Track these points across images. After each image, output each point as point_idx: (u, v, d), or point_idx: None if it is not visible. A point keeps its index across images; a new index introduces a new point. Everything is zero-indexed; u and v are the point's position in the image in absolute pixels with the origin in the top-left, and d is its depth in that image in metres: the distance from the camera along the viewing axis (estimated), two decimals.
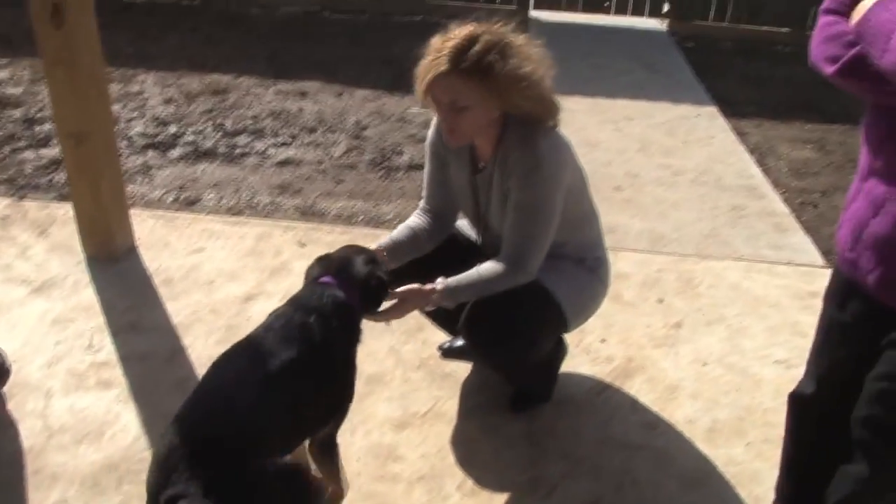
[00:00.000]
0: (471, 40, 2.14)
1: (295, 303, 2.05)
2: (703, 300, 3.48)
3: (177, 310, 3.23)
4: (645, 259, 3.80)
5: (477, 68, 2.12)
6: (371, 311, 2.21)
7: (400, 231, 2.54)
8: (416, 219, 2.60)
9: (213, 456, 1.68)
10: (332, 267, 2.15)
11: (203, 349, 2.98)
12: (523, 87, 2.17)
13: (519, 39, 2.23)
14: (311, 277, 2.16)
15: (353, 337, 2.12)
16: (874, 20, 1.48)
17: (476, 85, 2.15)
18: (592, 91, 6.31)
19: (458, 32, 2.17)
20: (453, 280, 2.32)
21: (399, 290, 2.27)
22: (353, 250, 2.23)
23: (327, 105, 5.83)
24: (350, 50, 7.26)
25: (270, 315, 2.05)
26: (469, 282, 2.33)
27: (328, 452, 2.13)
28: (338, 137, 5.25)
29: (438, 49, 2.17)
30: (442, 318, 2.79)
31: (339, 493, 2.23)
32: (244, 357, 1.92)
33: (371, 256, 2.21)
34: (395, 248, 2.46)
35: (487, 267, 2.35)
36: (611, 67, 7.07)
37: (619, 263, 3.69)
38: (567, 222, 2.38)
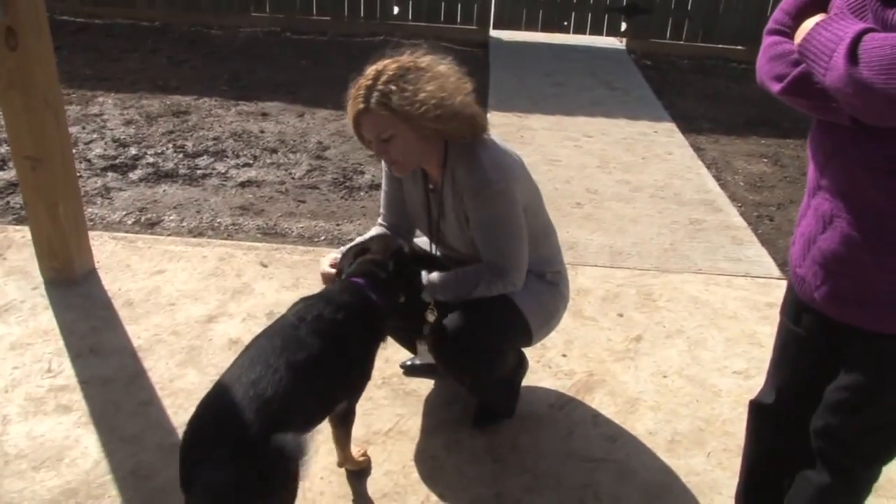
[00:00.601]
0: (376, 76, 2.24)
1: (327, 298, 2.17)
2: (663, 313, 3.52)
3: (137, 332, 3.20)
4: (605, 274, 3.84)
5: (381, 101, 2.21)
6: (407, 307, 2.35)
7: (360, 241, 2.58)
8: (374, 231, 2.67)
9: (240, 431, 1.76)
10: (365, 267, 2.27)
11: (165, 371, 2.96)
12: (424, 110, 2.21)
13: (424, 62, 2.29)
14: (346, 274, 2.29)
15: (377, 335, 2.27)
16: (816, 40, 1.52)
17: (387, 116, 2.22)
18: (552, 109, 6.39)
19: (369, 71, 2.26)
20: (435, 275, 2.40)
21: None
22: (383, 246, 2.33)
23: (289, 126, 5.83)
24: (311, 71, 7.27)
25: (302, 303, 2.16)
26: (450, 280, 2.40)
27: (344, 423, 2.36)
28: (299, 158, 5.25)
29: (355, 93, 2.27)
30: (403, 336, 2.80)
31: (344, 459, 2.49)
32: (277, 344, 1.98)
33: (403, 255, 2.34)
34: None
35: (470, 270, 2.39)
36: (570, 85, 7.15)
37: (580, 279, 3.73)
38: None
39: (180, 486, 1.78)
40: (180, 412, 2.72)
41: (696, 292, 3.72)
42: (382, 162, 2.59)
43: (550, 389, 2.97)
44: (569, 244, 4.07)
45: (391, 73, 2.22)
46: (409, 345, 2.84)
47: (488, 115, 6.07)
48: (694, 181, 5.16)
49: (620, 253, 4.09)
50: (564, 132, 5.95)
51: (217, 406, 1.83)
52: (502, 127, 5.90)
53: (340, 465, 2.50)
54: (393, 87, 2.20)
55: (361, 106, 2.24)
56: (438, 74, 2.27)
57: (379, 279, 2.24)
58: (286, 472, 1.80)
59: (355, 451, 2.50)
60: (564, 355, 3.16)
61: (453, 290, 2.40)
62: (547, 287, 2.56)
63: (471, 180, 2.30)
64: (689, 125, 6.29)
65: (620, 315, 3.49)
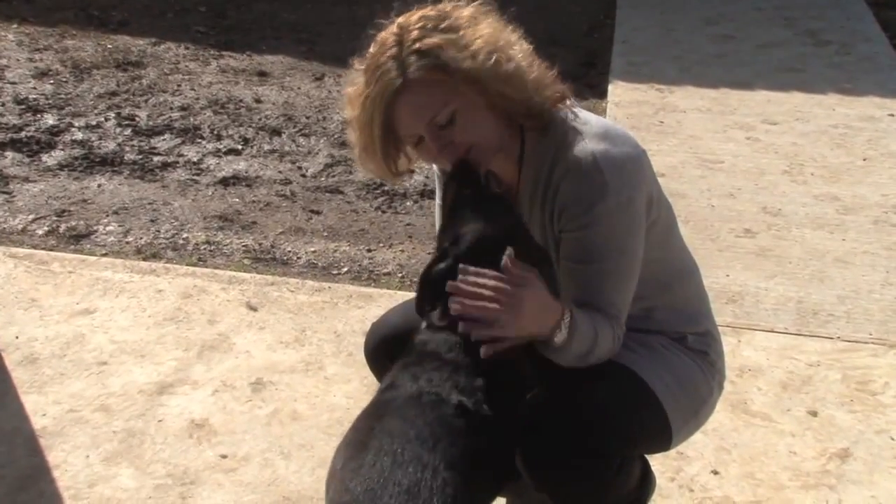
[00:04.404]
0: (400, 34, 2.23)
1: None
2: (890, 416, 3.45)
3: (42, 406, 3.23)
4: (789, 345, 3.79)
5: (428, 63, 2.20)
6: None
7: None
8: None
9: None
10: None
11: (82, 469, 2.98)
12: (495, 61, 2.21)
13: (463, 10, 2.30)
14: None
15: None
16: None
17: (442, 81, 2.21)
18: (713, 79, 6.38)
19: (383, 37, 2.27)
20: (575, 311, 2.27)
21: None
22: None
23: (300, 93, 5.91)
24: (336, 8, 7.36)
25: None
26: (590, 325, 2.25)
27: None
28: (315, 144, 5.31)
29: (372, 73, 2.26)
30: None
31: None
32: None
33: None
34: None
35: (599, 315, 2.29)
36: (746, 39, 7.13)
37: (745, 350, 3.68)
38: (651, 275, 2.39)
39: None
40: None
41: None
42: (434, 169, 2.63)
43: None
44: (728, 294, 4.04)
45: (420, 23, 2.23)
46: None
47: (609, 87, 6.11)
48: None
49: (817, 313, 4.03)
50: (732, 116, 5.91)
51: None
52: (631, 106, 5.89)
53: None
54: (436, 39, 2.20)
55: (398, 82, 2.21)
56: (486, 22, 2.29)
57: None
58: None
59: None
60: (716, 472, 3.12)
61: (587, 344, 2.25)
62: (692, 358, 2.52)
63: (577, 186, 2.27)
64: None
65: (813, 414, 3.43)
